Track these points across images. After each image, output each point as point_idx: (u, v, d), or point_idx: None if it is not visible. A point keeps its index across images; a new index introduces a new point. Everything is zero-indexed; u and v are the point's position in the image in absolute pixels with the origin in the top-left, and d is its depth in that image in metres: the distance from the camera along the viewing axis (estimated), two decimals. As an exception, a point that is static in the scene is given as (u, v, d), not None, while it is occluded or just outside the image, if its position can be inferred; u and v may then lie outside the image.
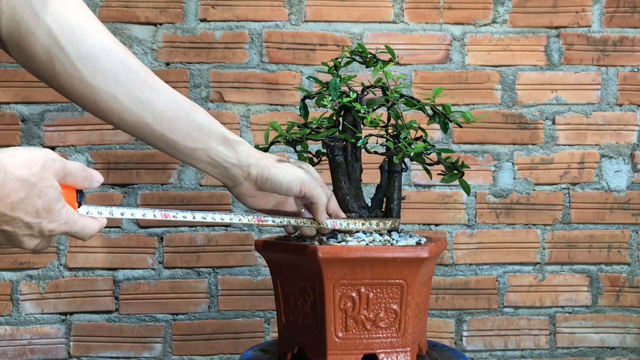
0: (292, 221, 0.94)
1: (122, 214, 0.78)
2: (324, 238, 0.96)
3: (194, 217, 0.85)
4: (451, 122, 0.99)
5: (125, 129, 0.88)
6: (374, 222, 0.97)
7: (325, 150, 0.98)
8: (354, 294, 0.90)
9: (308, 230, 0.95)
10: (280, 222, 0.93)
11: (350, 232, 0.96)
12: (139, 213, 0.80)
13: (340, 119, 1.00)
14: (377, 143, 0.98)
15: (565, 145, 1.64)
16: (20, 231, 0.68)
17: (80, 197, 0.74)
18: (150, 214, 0.81)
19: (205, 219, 0.86)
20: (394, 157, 0.95)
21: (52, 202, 0.68)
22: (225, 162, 0.91)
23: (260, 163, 0.91)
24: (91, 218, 0.75)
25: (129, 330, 1.59)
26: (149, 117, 0.87)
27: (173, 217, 0.82)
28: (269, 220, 0.92)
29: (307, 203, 0.96)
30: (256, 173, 0.91)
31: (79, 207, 0.74)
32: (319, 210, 0.93)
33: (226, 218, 0.88)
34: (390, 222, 0.98)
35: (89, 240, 1.58)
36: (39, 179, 0.67)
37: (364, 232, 0.97)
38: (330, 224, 0.94)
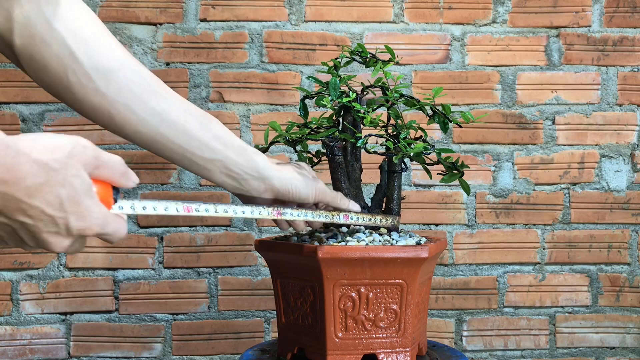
0: (309, 214, 0.93)
1: (143, 209, 0.73)
2: (324, 238, 0.96)
3: (216, 211, 0.82)
4: (451, 122, 0.99)
5: (140, 142, 0.86)
6: (378, 217, 0.98)
7: (325, 150, 0.98)
8: (353, 294, 0.90)
9: (318, 224, 0.96)
10: (298, 215, 0.92)
11: (357, 227, 0.97)
12: (161, 207, 0.76)
13: (340, 119, 1.00)
14: (377, 143, 0.98)
15: (565, 145, 1.64)
16: (44, 226, 0.60)
17: (116, 195, 0.65)
18: (172, 208, 0.77)
19: (227, 212, 0.83)
20: (394, 157, 0.95)
21: (78, 194, 0.61)
22: (245, 173, 0.89)
23: (282, 175, 0.90)
24: (121, 219, 0.67)
25: (129, 330, 1.59)
26: (164, 128, 0.85)
27: (195, 210, 0.80)
28: (288, 213, 0.91)
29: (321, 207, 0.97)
30: (279, 185, 0.90)
31: (114, 204, 0.65)
32: (340, 205, 0.95)
33: (247, 211, 0.86)
34: (391, 219, 1.00)
35: (89, 240, 1.58)
36: (63, 165, 0.60)
37: (364, 232, 0.97)
38: (342, 218, 0.94)
